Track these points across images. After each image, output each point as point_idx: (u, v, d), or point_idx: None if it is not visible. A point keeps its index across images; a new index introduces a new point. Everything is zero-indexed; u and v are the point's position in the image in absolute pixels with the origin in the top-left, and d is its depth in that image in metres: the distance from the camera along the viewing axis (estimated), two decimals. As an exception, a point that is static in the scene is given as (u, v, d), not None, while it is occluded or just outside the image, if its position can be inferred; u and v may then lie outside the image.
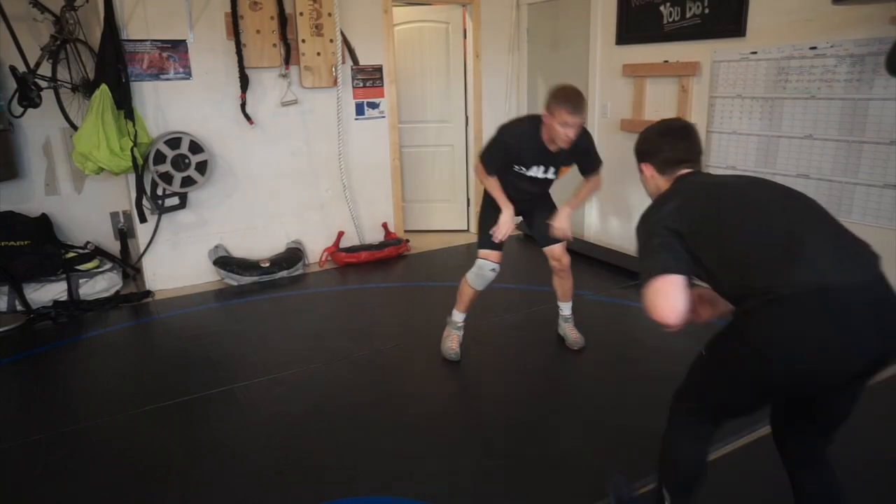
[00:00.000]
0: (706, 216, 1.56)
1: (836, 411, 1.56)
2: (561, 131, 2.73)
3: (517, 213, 3.05)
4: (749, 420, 2.55)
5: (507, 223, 2.94)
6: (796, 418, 1.63)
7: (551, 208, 3.22)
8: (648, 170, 1.86)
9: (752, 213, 1.53)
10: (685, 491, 1.68)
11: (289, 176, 4.78)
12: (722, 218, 1.54)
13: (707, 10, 3.89)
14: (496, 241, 2.98)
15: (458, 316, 3.25)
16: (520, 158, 2.94)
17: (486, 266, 3.06)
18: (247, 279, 4.51)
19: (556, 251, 3.20)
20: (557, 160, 2.96)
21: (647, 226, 1.63)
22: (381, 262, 4.92)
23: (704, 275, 1.57)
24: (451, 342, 3.24)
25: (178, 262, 4.51)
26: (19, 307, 3.95)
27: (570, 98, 2.70)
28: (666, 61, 4.22)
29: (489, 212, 3.07)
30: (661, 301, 1.49)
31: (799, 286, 1.37)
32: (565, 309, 3.38)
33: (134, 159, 3.99)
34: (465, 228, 5.84)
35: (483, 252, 3.07)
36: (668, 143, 1.83)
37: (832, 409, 1.56)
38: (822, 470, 1.66)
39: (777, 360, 1.41)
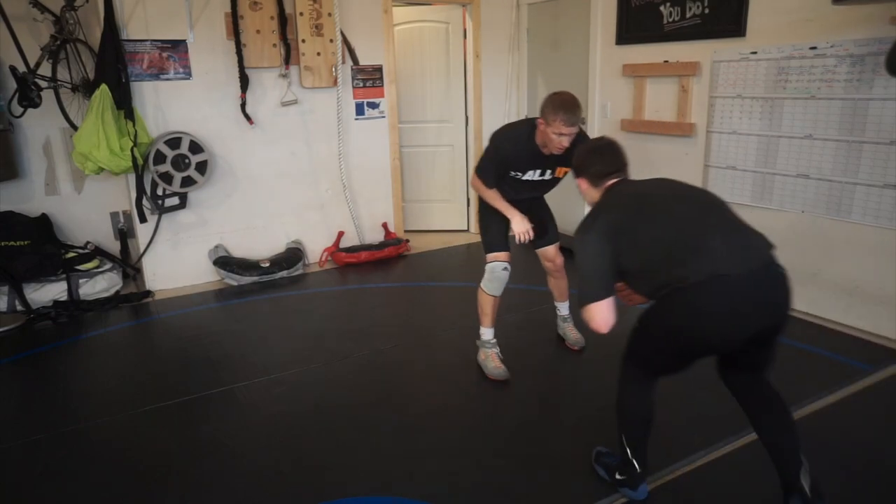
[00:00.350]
0: (629, 229, 1.93)
1: (756, 360, 2.00)
2: (555, 140, 2.70)
3: None
4: (748, 420, 2.57)
5: (521, 225, 2.92)
6: (727, 366, 2.07)
7: (546, 210, 3.21)
8: (584, 184, 2.20)
9: (666, 224, 1.89)
10: (639, 435, 2.09)
11: (289, 176, 4.78)
12: (642, 229, 1.91)
13: (707, 10, 3.89)
14: (523, 242, 2.95)
15: (487, 334, 3.11)
16: (515, 164, 2.91)
17: (497, 267, 3.00)
18: (247, 279, 4.51)
19: (549, 252, 3.21)
20: (552, 162, 2.94)
21: (583, 237, 2.00)
22: (381, 262, 4.92)
23: (627, 274, 1.96)
24: (493, 361, 3.05)
25: (178, 262, 4.51)
26: (19, 307, 3.95)
27: (566, 107, 2.64)
28: (666, 61, 4.22)
29: (489, 217, 3.05)
30: (596, 320, 1.93)
31: (700, 275, 1.77)
32: (563, 309, 3.38)
33: (134, 159, 3.99)
34: (465, 228, 5.85)
35: (491, 255, 3.03)
36: (596, 158, 2.17)
37: (752, 359, 2.00)
38: (759, 388, 2.06)
39: (687, 332, 1.84)
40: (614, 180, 2.12)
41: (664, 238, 1.86)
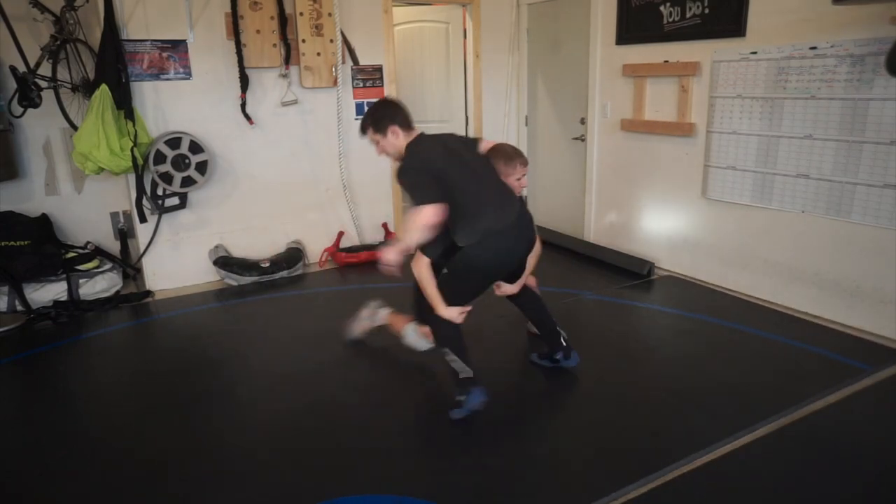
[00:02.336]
0: (442, 169, 2.53)
1: (518, 274, 2.90)
2: (517, 185, 2.88)
3: None
4: (749, 420, 2.57)
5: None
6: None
7: None
8: (395, 131, 2.66)
9: (468, 179, 2.58)
10: (461, 346, 2.67)
11: (289, 176, 4.78)
12: (451, 172, 2.54)
13: (707, 10, 3.89)
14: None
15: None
16: None
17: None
18: (247, 279, 4.51)
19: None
20: None
21: (408, 170, 2.58)
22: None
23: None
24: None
25: (178, 262, 4.51)
26: (19, 307, 3.95)
27: (517, 153, 2.90)
28: (666, 61, 4.22)
29: None
30: (424, 214, 2.46)
31: (485, 229, 2.54)
32: None
33: (134, 159, 3.99)
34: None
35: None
36: (398, 110, 2.70)
37: (516, 274, 2.90)
38: (523, 291, 3.01)
39: (483, 264, 2.63)
40: (418, 132, 2.70)
41: (467, 189, 2.54)
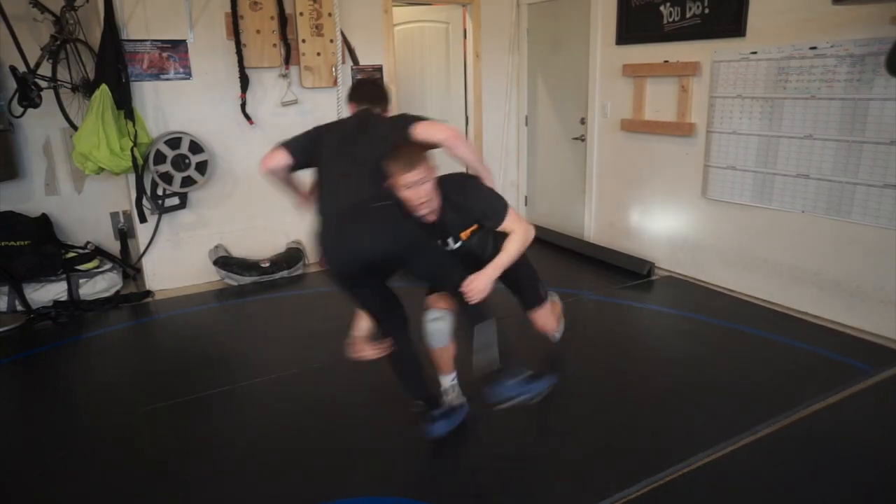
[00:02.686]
0: (318, 137, 2.45)
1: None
2: (409, 195, 2.21)
3: None
4: (749, 420, 2.57)
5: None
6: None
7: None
8: (351, 106, 2.59)
9: (333, 157, 2.35)
10: (412, 382, 2.53)
11: (289, 176, 4.78)
12: (324, 151, 2.38)
13: (707, 10, 3.89)
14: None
15: (444, 381, 2.69)
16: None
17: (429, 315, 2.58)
18: (247, 279, 4.51)
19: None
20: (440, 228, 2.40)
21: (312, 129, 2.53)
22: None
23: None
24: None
25: (178, 262, 4.51)
26: (19, 307, 3.95)
27: (401, 157, 2.21)
28: (666, 61, 4.22)
29: None
30: (267, 156, 2.43)
31: (321, 208, 2.29)
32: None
33: (134, 159, 3.99)
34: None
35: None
36: (357, 88, 2.66)
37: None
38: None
39: (318, 240, 2.30)
40: (360, 109, 2.56)
41: (328, 165, 2.36)
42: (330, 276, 2.37)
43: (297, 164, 2.44)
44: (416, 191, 2.17)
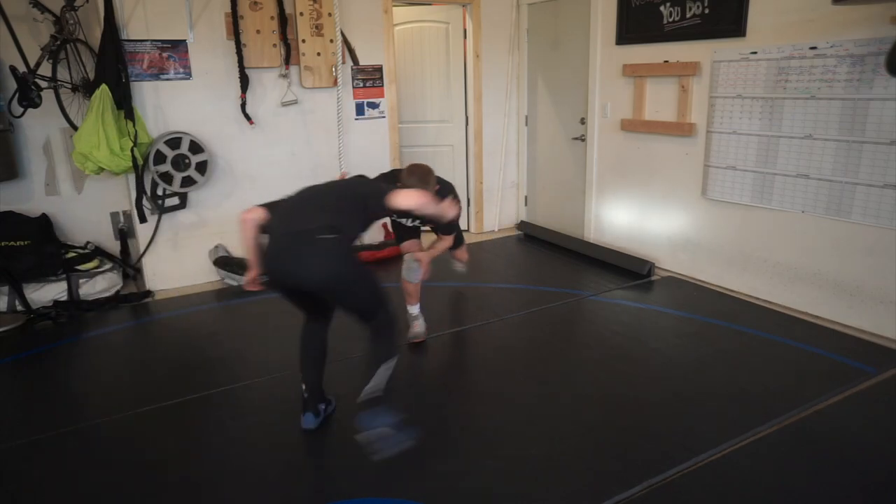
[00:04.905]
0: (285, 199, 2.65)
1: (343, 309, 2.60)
2: None
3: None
4: (749, 421, 2.57)
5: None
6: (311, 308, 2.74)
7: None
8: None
9: (289, 199, 2.63)
10: (310, 372, 2.70)
11: (289, 176, 4.77)
12: (286, 198, 2.65)
13: (707, 10, 3.89)
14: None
15: (412, 310, 3.54)
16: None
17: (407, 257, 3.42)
18: (247, 279, 4.51)
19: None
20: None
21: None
22: (381, 262, 4.91)
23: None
24: (413, 329, 3.48)
25: (178, 262, 4.51)
26: (19, 307, 3.95)
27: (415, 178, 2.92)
28: (666, 61, 4.22)
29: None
30: (244, 213, 2.60)
31: (274, 235, 2.49)
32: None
33: (134, 159, 3.99)
34: (465, 228, 5.84)
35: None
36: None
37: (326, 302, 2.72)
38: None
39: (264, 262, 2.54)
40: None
41: (283, 205, 2.60)
42: (267, 283, 2.59)
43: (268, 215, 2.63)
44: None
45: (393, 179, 3.14)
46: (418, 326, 3.49)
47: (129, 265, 4.60)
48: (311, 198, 2.60)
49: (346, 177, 3.01)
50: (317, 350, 2.73)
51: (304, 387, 2.69)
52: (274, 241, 2.46)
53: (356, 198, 2.57)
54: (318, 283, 2.37)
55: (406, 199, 2.47)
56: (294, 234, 2.39)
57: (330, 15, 4.53)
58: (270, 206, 2.61)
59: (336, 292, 2.46)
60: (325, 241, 2.35)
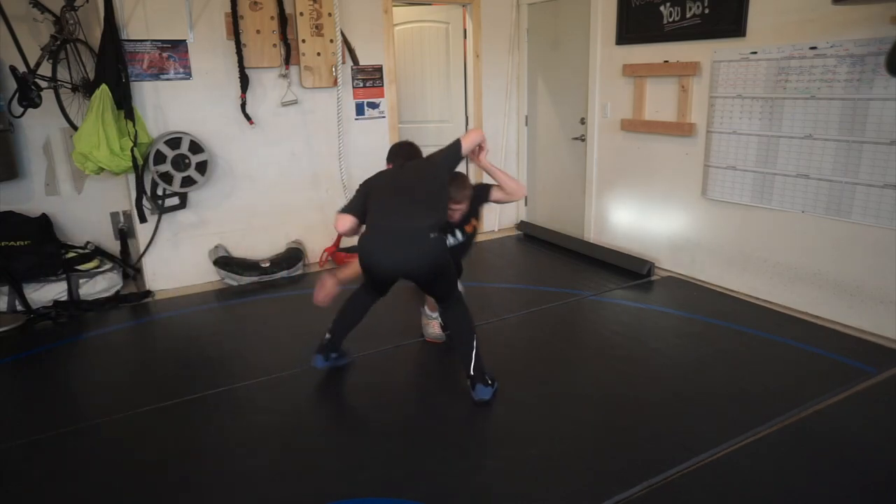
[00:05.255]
0: (372, 189, 2.89)
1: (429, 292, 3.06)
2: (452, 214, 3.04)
3: None
4: (749, 421, 2.57)
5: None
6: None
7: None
8: (387, 165, 3.14)
9: (384, 197, 2.83)
10: (341, 329, 3.09)
11: (289, 176, 4.78)
12: (375, 193, 2.85)
13: (707, 10, 3.89)
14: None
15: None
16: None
17: None
18: (247, 279, 4.51)
19: None
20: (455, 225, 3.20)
21: (360, 186, 2.97)
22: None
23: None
24: (435, 329, 3.49)
25: (178, 262, 4.51)
26: (19, 307, 3.94)
27: (453, 185, 3.01)
28: (666, 61, 4.22)
29: None
30: (337, 221, 2.86)
31: (368, 234, 2.79)
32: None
33: (134, 159, 3.99)
34: (465, 228, 5.84)
35: None
36: (394, 151, 3.26)
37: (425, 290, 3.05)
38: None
39: (361, 259, 2.82)
40: (398, 164, 3.05)
41: (377, 203, 2.80)
42: (365, 270, 2.86)
43: (361, 220, 2.88)
44: (462, 206, 3.03)
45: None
46: (437, 327, 3.47)
47: (129, 265, 4.60)
48: (405, 190, 2.82)
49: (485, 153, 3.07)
50: (358, 316, 3.06)
51: (328, 336, 3.03)
52: (382, 238, 2.73)
53: (441, 190, 2.86)
54: (424, 275, 2.78)
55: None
56: (405, 234, 2.69)
57: (330, 15, 4.53)
58: (354, 209, 2.84)
59: (434, 281, 2.83)
60: (435, 241, 2.72)
